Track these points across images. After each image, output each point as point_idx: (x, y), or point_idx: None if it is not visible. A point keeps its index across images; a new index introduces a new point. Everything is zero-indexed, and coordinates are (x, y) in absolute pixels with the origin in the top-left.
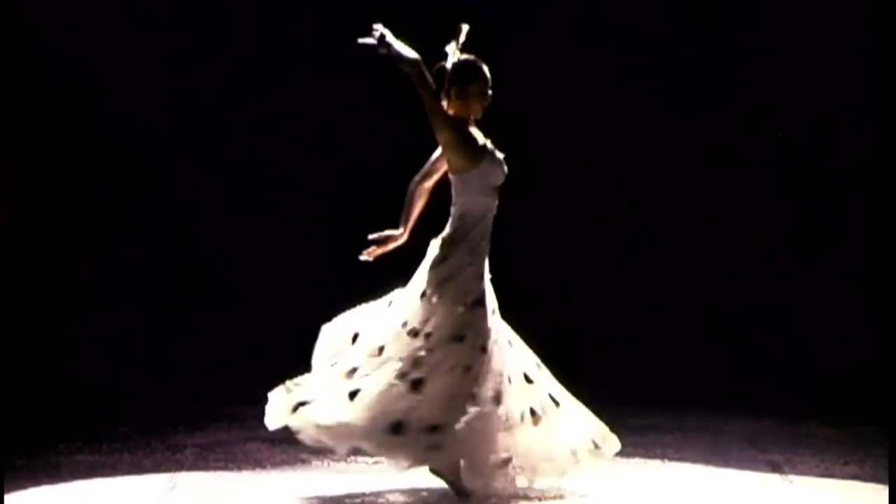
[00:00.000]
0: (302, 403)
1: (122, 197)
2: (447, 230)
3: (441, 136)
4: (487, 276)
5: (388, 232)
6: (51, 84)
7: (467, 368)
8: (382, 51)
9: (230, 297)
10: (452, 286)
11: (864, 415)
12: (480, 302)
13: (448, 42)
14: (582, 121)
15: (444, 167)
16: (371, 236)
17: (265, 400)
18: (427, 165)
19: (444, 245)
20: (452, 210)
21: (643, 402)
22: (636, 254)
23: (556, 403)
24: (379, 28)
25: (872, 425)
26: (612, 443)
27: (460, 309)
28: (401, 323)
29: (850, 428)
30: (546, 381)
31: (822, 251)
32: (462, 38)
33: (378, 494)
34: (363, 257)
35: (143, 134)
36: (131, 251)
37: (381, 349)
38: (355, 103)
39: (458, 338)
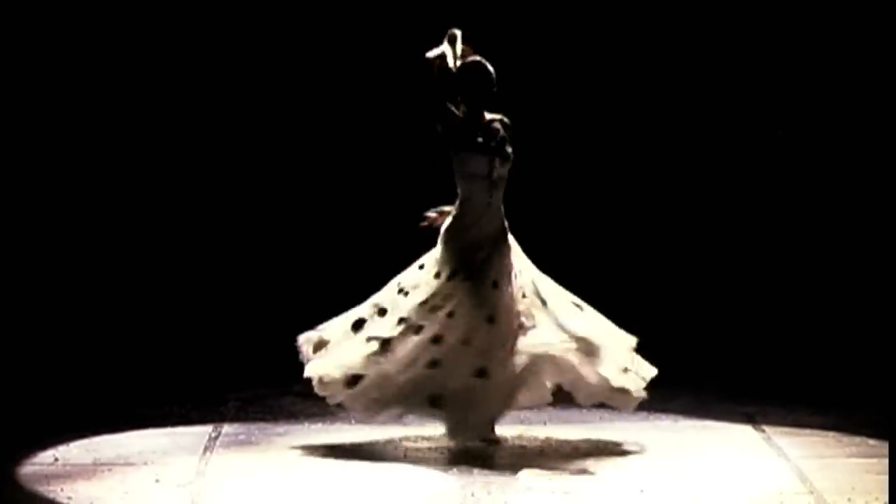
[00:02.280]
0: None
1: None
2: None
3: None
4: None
5: (444, 207)
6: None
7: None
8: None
9: (263, 268)
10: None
11: (829, 369)
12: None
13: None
14: (582, 118)
15: None
16: (429, 213)
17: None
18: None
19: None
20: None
21: None
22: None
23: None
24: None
25: (837, 379)
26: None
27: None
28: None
29: (817, 382)
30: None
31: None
32: (457, 44)
33: (397, 443)
34: (423, 223)
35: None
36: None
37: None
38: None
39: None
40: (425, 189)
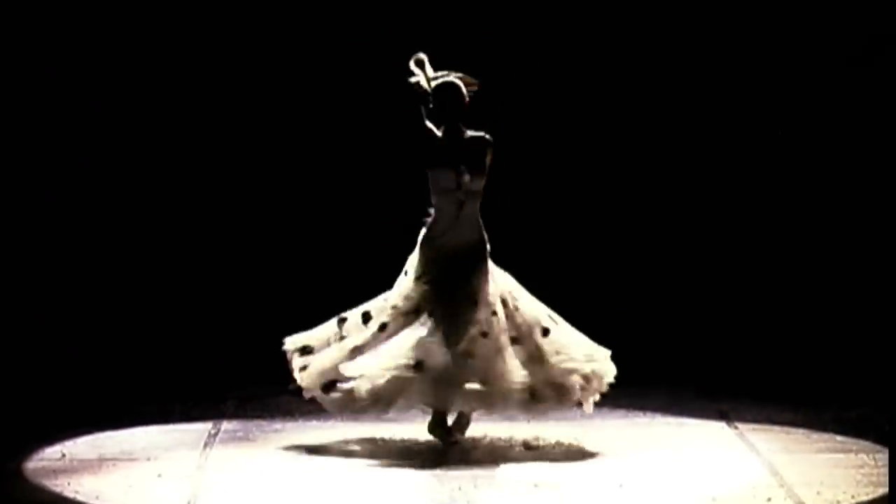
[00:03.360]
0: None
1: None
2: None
3: None
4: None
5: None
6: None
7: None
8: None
9: (261, 271)
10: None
11: (800, 369)
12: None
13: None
14: (584, 119)
15: None
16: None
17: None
18: None
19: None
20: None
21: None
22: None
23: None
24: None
25: (807, 377)
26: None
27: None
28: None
29: (788, 381)
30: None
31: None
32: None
33: (387, 440)
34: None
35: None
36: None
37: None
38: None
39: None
40: (421, 191)
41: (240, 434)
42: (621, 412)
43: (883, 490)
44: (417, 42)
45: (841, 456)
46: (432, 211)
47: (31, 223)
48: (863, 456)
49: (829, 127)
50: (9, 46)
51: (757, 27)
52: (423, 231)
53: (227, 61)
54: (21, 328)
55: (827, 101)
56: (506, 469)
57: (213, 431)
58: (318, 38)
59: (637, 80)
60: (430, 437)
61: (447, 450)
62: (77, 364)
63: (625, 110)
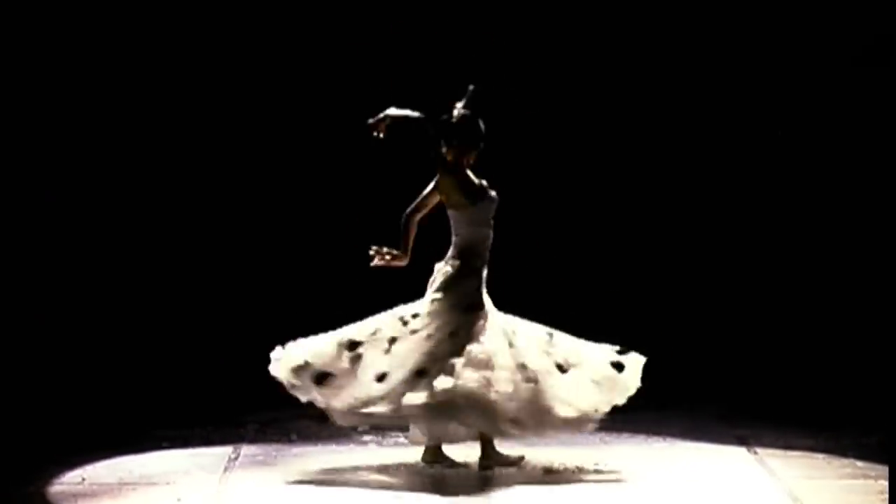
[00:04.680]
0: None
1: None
2: (454, 261)
3: (444, 180)
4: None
5: (390, 250)
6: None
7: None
8: (380, 129)
9: (281, 293)
10: (453, 295)
11: (820, 394)
12: (475, 307)
13: (457, 99)
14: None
15: (434, 201)
16: (374, 250)
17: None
18: (419, 199)
19: (453, 275)
20: (455, 241)
21: None
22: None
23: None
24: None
25: (826, 403)
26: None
27: (458, 311)
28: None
29: (808, 406)
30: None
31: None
32: (468, 97)
33: (408, 465)
34: (373, 263)
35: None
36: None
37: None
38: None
39: (453, 333)
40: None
41: (259, 458)
42: (641, 437)
43: None
44: (420, 48)
45: (861, 482)
46: (462, 249)
47: (35, 237)
48: (882, 482)
49: (831, 128)
50: (9, 46)
51: (757, 27)
52: (454, 273)
53: (238, 69)
54: (41, 353)
55: (827, 102)
56: (526, 495)
57: (232, 456)
58: (333, 51)
59: (638, 84)
60: (447, 462)
61: (467, 476)
62: (98, 390)
63: (632, 125)
